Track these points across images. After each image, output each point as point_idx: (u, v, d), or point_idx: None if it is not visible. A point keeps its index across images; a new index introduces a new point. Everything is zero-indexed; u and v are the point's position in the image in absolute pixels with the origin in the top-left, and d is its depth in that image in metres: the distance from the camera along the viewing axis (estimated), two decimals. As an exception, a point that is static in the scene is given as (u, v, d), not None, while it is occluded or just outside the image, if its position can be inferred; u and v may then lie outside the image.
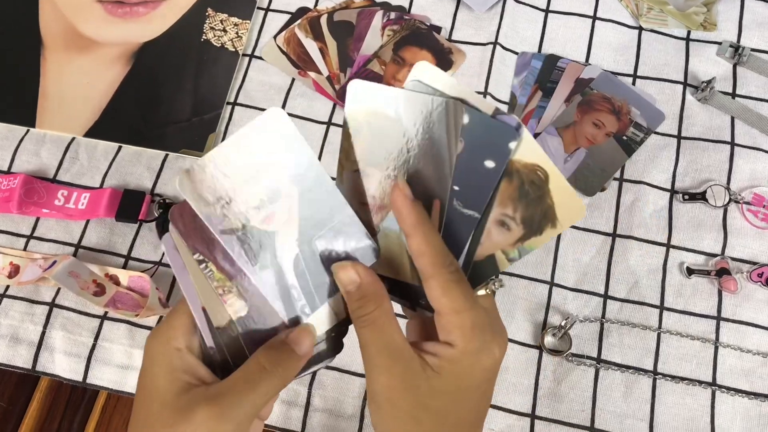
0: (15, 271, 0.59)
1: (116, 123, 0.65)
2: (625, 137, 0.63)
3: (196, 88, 0.66)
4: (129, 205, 0.60)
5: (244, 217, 0.34)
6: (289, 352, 0.34)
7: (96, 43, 0.68)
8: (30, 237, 0.61)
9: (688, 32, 0.69)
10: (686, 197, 0.61)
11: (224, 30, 0.69)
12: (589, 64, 0.67)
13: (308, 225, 0.35)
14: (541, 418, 0.55)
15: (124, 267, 0.59)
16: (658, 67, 0.67)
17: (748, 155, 0.62)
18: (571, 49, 0.68)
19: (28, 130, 0.65)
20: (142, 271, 0.58)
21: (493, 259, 0.36)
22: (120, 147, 0.64)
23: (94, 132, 0.64)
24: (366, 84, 0.35)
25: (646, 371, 0.56)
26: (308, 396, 0.55)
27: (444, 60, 0.67)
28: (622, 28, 0.69)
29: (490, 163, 0.34)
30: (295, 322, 0.35)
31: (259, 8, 0.71)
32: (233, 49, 0.68)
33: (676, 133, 0.64)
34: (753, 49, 0.67)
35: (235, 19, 0.70)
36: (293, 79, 0.67)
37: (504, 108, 0.65)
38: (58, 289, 0.58)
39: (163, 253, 0.59)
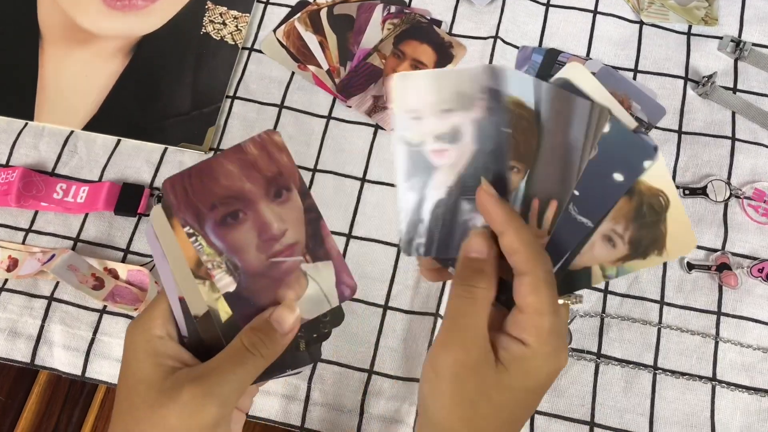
0: (13, 264, 0.58)
1: (115, 116, 0.65)
2: (626, 132, 0.63)
3: (196, 81, 0.66)
4: (128, 198, 0.60)
5: (423, 137, 0.35)
6: (273, 331, 0.34)
7: (95, 36, 0.68)
8: (28, 230, 0.61)
9: (689, 27, 0.68)
10: (687, 192, 0.60)
11: (224, 23, 0.69)
12: (590, 59, 0.67)
13: (465, 181, 0.35)
14: (541, 413, 0.55)
15: (123, 261, 0.59)
16: (659, 62, 0.67)
17: (749, 150, 0.62)
18: (571, 43, 0.68)
19: (26, 123, 0.65)
20: (141, 265, 0.58)
21: (588, 272, 0.35)
22: (119, 140, 0.64)
23: (92, 125, 0.64)
24: (513, 72, 0.35)
25: (646, 366, 0.56)
26: (308, 390, 0.55)
27: (444, 54, 0.67)
28: (623, 23, 0.69)
29: (619, 177, 0.34)
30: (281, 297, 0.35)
31: (258, 1, 0.70)
32: (233, 43, 0.68)
33: (676, 127, 0.64)
34: (754, 44, 0.67)
35: (234, 12, 0.69)
36: (293, 73, 0.67)
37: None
38: (57, 283, 0.58)
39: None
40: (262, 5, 0.70)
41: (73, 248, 0.60)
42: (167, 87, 0.66)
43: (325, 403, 0.55)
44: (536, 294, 0.33)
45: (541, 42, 0.68)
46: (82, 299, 0.57)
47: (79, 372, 0.56)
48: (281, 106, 0.65)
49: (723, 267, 0.57)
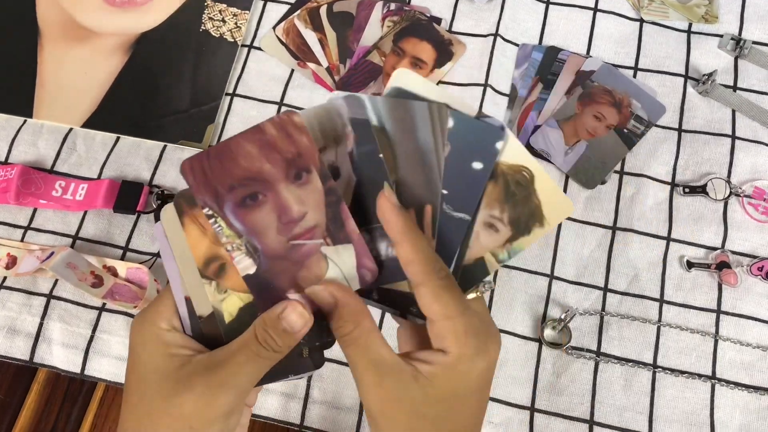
0: (12, 262, 0.58)
1: (114, 113, 0.64)
2: (625, 130, 0.62)
3: (195, 78, 0.66)
4: (127, 196, 0.60)
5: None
6: (282, 329, 0.34)
7: (94, 33, 0.68)
8: (27, 228, 0.60)
9: (690, 25, 0.68)
10: (687, 190, 0.60)
11: (223, 20, 0.69)
12: (590, 57, 0.66)
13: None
14: (540, 411, 0.55)
15: (122, 258, 0.59)
16: (659, 60, 0.67)
17: (749, 148, 0.62)
18: (572, 41, 0.68)
19: (25, 121, 0.65)
20: (141, 263, 0.58)
21: (482, 261, 0.36)
22: (118, 138, 0.64)
23: (92, 122, 0.64)
24: (351, 96, 0.35)
25: (645, 364, 0.56)
26: (307, 388, 0.55)
27: (444, 51, 0.67)
28: (623, 20, 0.69)
29: (477, 165, 0.34)
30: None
31: (258, -1, 0.70)
32: (232, 40, 0.68)
33: (676, 126, 0.64)
34: (754, 42, 0.67)
35: (234, 10, 0.69)
36: (292, 70, 0.67)
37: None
38: (56, 281, 0.58)
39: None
40: (262, 2, 0.70)
41: (72, 246, 0.60)
42: (166, 84, 0.66)
43: (325, 401, 0.55)
44: (438, 301, 0.32)
45: (541, 40, 0.68)
46: (81, 297, 0.57)
47: (78, 370, 0.56)
48: (281, 104, 0.65)
49: (723, 265, 0.57)
